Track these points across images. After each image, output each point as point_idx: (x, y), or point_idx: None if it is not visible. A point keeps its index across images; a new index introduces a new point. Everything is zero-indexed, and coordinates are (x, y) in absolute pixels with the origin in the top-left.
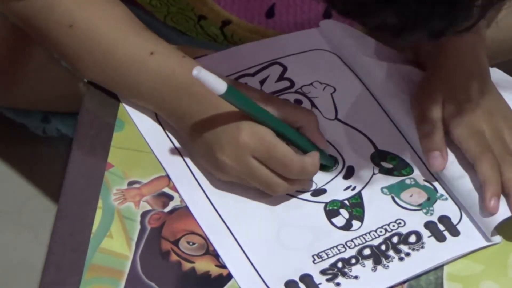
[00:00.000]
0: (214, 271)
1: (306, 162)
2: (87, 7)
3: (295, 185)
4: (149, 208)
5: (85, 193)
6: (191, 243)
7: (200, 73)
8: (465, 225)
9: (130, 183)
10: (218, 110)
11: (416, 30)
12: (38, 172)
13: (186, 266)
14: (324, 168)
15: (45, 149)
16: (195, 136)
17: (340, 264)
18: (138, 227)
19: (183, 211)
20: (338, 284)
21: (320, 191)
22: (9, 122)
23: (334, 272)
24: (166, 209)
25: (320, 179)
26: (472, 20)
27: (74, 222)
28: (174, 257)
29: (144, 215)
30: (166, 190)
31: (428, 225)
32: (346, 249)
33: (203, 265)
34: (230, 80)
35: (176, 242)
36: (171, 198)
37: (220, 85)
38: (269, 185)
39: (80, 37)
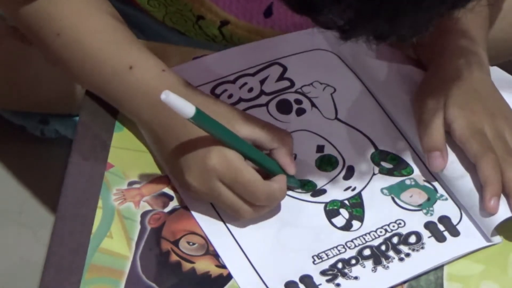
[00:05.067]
0: (214, 271)
1: (272, 188)
2: (75, 16)
3: (262, 211)
4: (149, 208)
5: (85, 193)
6: (191, 243)
7: (168, 97)
8: (465, 226)
9: (130, 183)
10: (190, 131)
11: (360, 30)
12: (38, 172)
13: (186, 266)
14: (324, 167)
15: (44, 149)
16: (169, 155)
17: (340, 265)
18: (138, 227)
19: (183, 211)
20: (338, 284)
21: (320, 191)
22: (8, 123)
23: (334, 272)
24: (166, 209)
25: (320, 179)
26: (417, 27)
27: (74, 222)
28: (174, 257)
29: (144, 215)
30: (166, 190)
31: (428, 225)
32: (346, 249)
33: (203, 265)
34: (211, 97)
35: (176, 242)
36: (171, 198)
37: (188, 109)
38: (235, 210)
39: (67, 46)
